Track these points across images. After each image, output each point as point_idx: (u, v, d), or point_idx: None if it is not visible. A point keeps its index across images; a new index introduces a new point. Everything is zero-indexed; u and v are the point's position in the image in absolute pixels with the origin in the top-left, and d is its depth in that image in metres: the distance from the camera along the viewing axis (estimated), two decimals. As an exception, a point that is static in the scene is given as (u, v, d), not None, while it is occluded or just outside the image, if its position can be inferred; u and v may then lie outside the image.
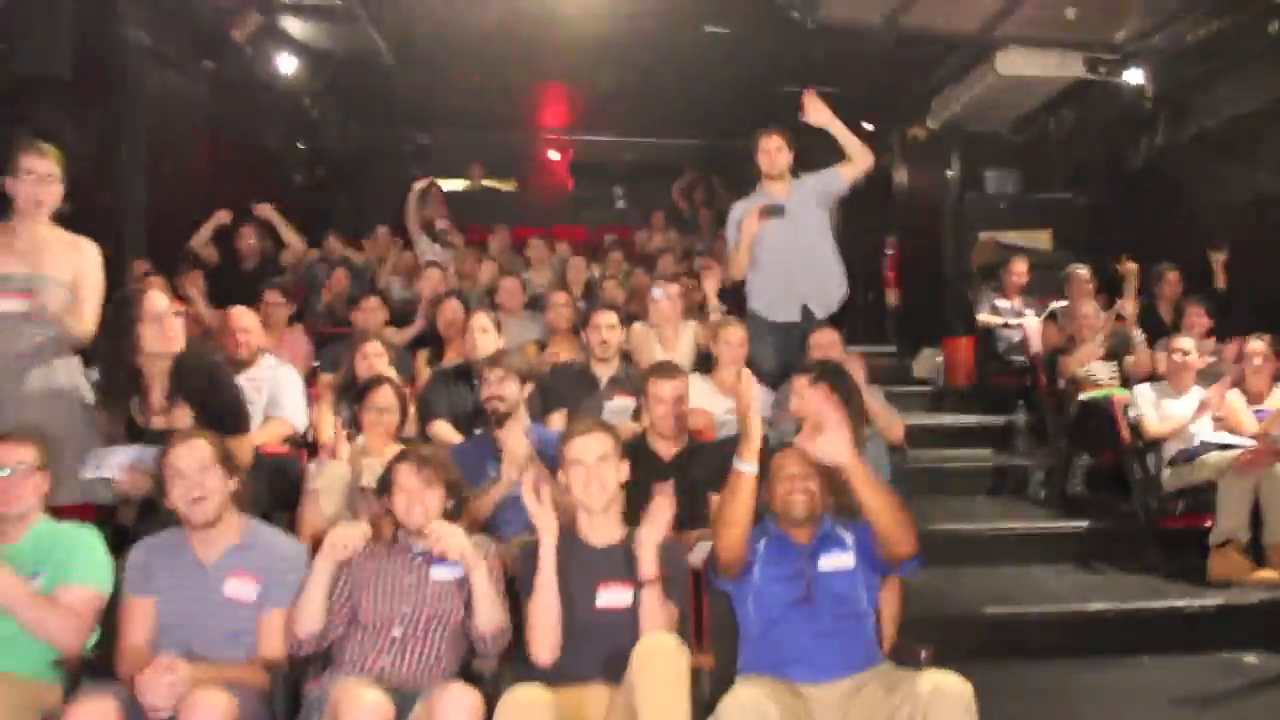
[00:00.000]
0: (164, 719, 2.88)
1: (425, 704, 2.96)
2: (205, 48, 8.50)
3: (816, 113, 5.50)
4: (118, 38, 7.40)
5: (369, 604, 3.28)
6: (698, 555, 3.60)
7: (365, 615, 3.27)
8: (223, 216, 7.84)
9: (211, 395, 3.98)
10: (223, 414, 3.95)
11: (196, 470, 3.27)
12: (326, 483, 4.10)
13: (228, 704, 2.88)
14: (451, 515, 3.41)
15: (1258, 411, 5.89)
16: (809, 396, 3.29)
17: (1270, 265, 6.87)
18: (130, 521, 3.95)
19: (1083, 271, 7.54)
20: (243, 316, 5.30)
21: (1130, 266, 7.20)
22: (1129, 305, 7.04)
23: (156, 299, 3.98)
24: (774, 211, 5.63)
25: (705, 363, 5.89)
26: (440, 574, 3.32)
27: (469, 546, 3.26)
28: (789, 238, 5.61)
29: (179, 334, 3.98)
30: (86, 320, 4.01)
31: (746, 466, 3.23)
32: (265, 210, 8.08)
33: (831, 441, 3.12)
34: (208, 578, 3.30)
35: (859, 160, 5.55)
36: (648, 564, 3.22)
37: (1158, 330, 6.96)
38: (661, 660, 2.93)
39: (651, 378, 4.40)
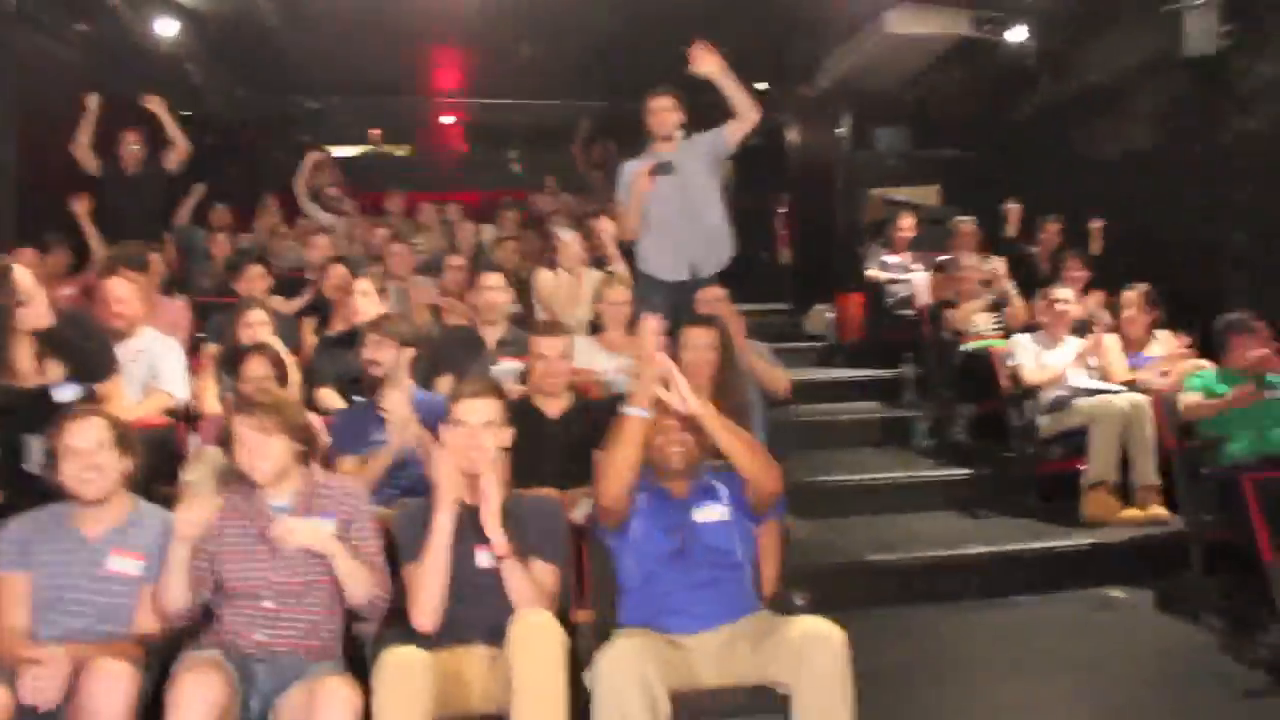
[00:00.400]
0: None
1: (304, 689, 2.93)
2: (78, 9, 8.19)
3: (705, 63, 5.45)
4: (-19, -1, 7.12)
5: (235, 572, 3.21)
6: (580, 512, 3.64)
7: (232, 585, 3.21)
8: (92, 105, 7.52)
9: (79, 344, 3.90)
10: (93, 364, 3.92)
11: (93, 448, 3.21)
12: (200, 475, 4.03)
13: (130, 673, 2.86)
14: (304, 459, 3.34)
15: (1134, 357, 6.10)
16: (659, 361, 3.32)
17: (1142, 218, 7.10)
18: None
19: (967, 225, 7.74)
20: (118, 286, 5.15)
21: (1013, 206, 7.43)
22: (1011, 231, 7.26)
23: (21, 275, 3.86)
24: (663, 169, 5.59)
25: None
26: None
27: (319, 537, 3.18)
28: (678, 198, 5.61)
29: (45, 310, 3.88)
30: None
31: (637, 411, 3.26)
32: (154, 103, 7.70)
33: (675, 393, 3.22)
34: (92, 552, 3.24)
35: (745, 116, 5.49)
36: (497, 540, 3.19)
37: (1038, 280, 7.15)
38: (538, 641, 2.96)
39: (535, 336, 4.41)
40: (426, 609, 3.18)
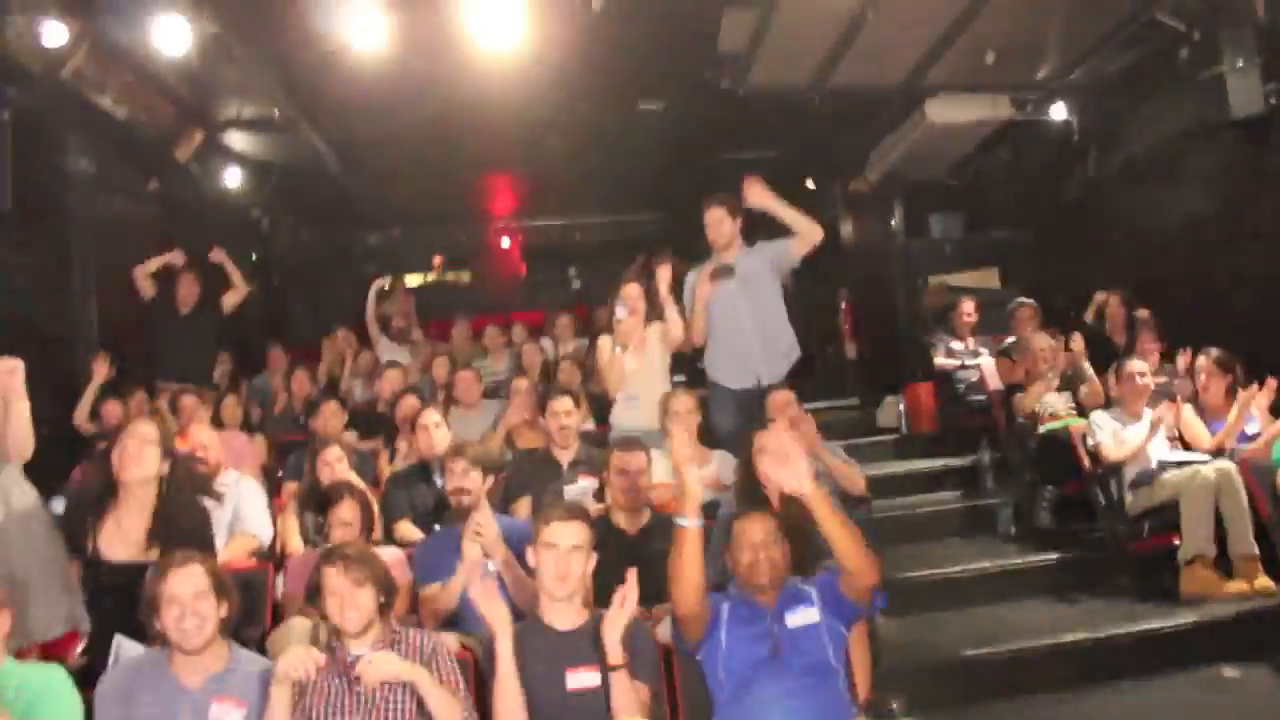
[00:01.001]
0: None
1: None
2: (150, 169, 8.59)
3: (758, 197, 5.60)
4: (59, 167, 7.49)
5: (319, 717, 3.24)
6: (664, 630, 3.62)
7: None
8: (176, 257, 7.87)
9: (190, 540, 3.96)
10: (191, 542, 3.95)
11: (191, 597, 3.26)
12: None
13: None
14: (383, 610, 3.38)
15: (1214, 424, 5.96)
16: (770, 432, 3.36)
17: (1205, 285, 7.01)
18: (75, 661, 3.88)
19: (1027, 305, 7.67)
20: (201, 433, 5.31)
21: (1100, 295, 7.51)
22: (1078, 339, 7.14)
23: (142, 426, 4.02)
24: (725, 272, 5.70)
25: (679, 362, 6.03)
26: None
27: (403, 666, 3.22)
28: (740, 304, 5.69)
29: (150, 460, 4.01)
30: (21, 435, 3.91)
31: (687, 521, 3.28)
32: (219, 254, 8.09)
33: (793, 472, 3.23)
34: (194, 702, 3.27)
35: (807, 235, 5.64)
36: (614, 649, 3.23)
37: (1109, 355, 7.04)
38: None
39: (614, 450, 4.44)
40: None
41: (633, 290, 6.01)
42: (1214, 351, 6.07)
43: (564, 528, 3.36)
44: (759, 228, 5.94)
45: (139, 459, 3.99)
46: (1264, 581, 5.29)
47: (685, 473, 3.35)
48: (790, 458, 3.26)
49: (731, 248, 5.78)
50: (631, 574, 3.34)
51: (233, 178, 9.33)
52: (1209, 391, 6.04)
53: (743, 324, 5.70)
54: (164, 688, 3.28)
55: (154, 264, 7.84)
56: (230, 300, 8.12)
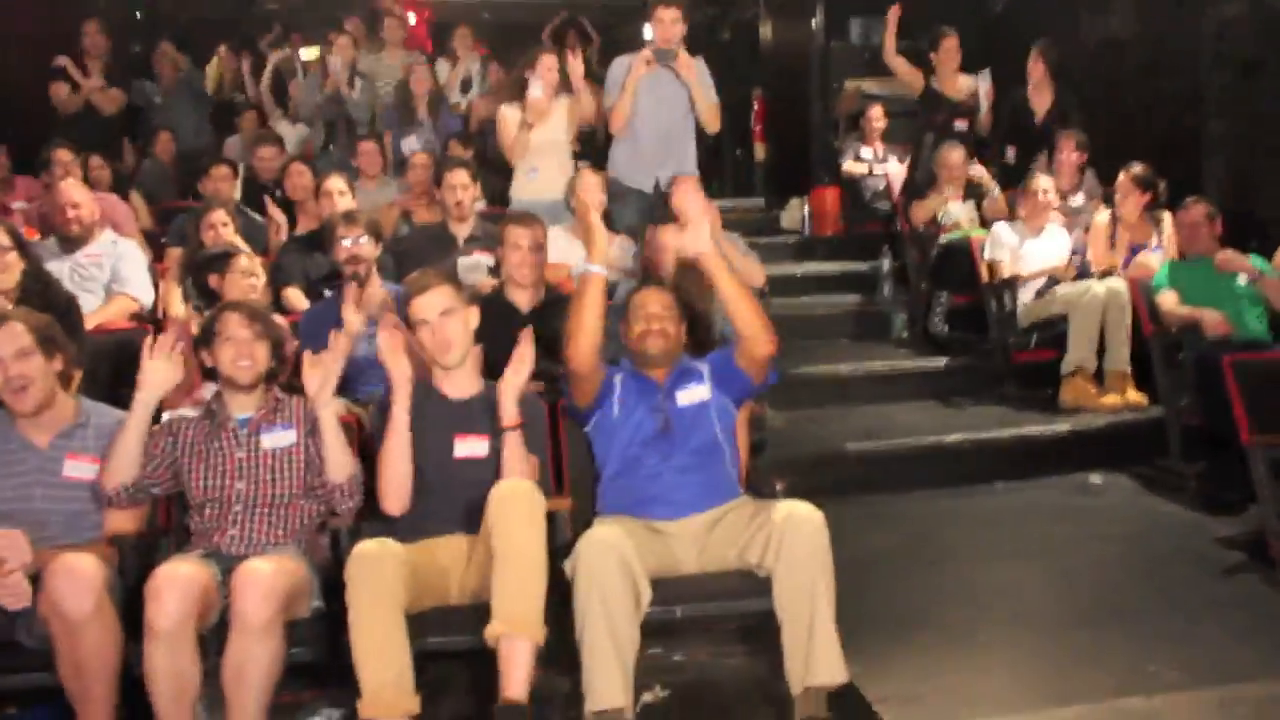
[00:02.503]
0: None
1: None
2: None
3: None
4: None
5: (198, 481, 3.17)
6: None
7: (196, 493, 3.18)
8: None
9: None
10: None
11: (14, 357, 3.10)
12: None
13: (93, 565, 2.81)
14: (271, 376, 3.31)
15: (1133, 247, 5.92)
16: (676, 194, 3.29)
17: (1121, 106, 6.99)
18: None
19: (949, 37, 7.40)
20: (72, 190, 5.02)
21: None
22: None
23: None
24: (665, 57, 5.50)
25: (589, 140, 6.01)
26: (272, 441, 3.22)
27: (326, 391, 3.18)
28: (657, 109, 5.56)
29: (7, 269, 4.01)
30: None
31: (593, 269, 3.24)
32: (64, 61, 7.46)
33: (693, 234, 3.18)
34: (44, 459, 3.17)
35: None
36: (509, 410, 3.20)
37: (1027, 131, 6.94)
38: (516, 502, 2.93)
39: (509, 225, 4.30)
40: (391, 492, 3.16)
41: (549, 61, 5.78)
42: (1135, 167, 5.92)
43: (427, 298, 3.26)
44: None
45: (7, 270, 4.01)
46: (1135, 395, 5.50)
47: (592, 218, 3.31)
48: (691, 220, 3.19)
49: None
50: (526, 334, 3.28)
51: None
52: (1125, 208, 5.93)
53: (659, 122, 5.56)
54: (8, 446, 3.16)
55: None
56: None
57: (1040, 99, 6.94)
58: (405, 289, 3.38)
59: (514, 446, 3.19)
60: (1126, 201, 5.88)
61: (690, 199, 3.25)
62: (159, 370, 3.13)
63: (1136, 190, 5.87)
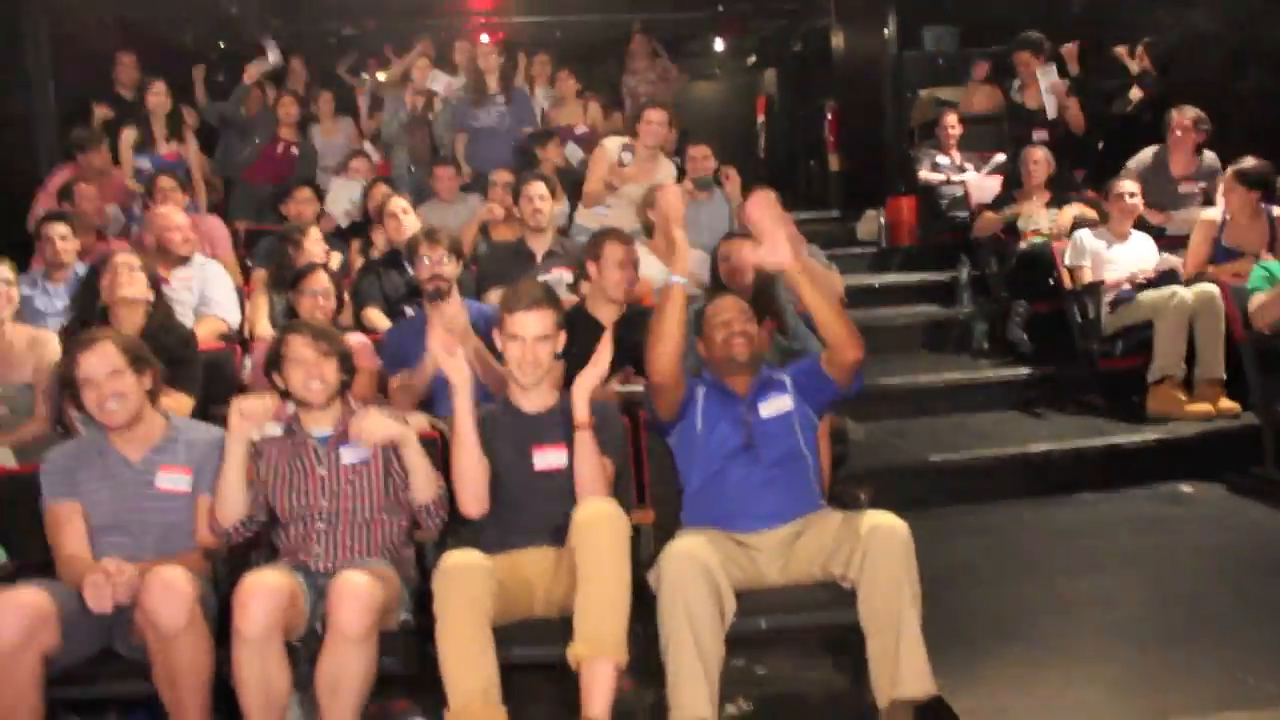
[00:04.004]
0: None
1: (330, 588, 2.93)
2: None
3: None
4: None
5: (283, 500, 3.24)
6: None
7: (282, 512, 3.24)
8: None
9: (176, 369, 3.97)
10: (183, 385, 4.07)
11: (106, 376, 3.19)
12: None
13: (185, 579, 2.87)
14: (343, 390, 3.34)
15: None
16: (751, 207, 3.29)
17: (1205, 104, 6.83)
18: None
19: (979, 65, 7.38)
20: (172, 214, 5.18)
21: (1069, 48, 7.10)
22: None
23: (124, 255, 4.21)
24: (702, 186, 5.89)
25: None
26: (351, 456, 3.26)
27: (391, 424, 3.19)
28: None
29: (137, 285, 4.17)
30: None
31: (676, 279, 3.24)
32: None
33: (771, 247, 3.17)
34: (137, 474, 3.27)
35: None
36: (581, 408, 3.20)
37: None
38: (600, 524, 2.94)
39: (608, 241, 4.33)
40: (467, 494, 3.18)
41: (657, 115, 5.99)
42: (1244, 162, 5.69)
43: (528, 317, 3.26)
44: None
45: (130, 282, 4.14)
46: (1227, 403, 5.36)
47: (675, 229, 3.29)
48: (770, 232, 3.17)
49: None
50: (606, 337, 3.30)
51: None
52: (1230, 207, 5.74)
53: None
54: (105, 464, 3.26)
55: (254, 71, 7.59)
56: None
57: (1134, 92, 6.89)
58: (508, 299, 3.37)
59: (585, 446, 3.19)
60: (1230, 199, 5.71)
61: (765, 211, 3.23)
62: (250, 406, 3.18)
63: (1241, 187, 5.68)
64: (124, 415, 3.22)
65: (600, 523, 2.95)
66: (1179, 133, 6.30)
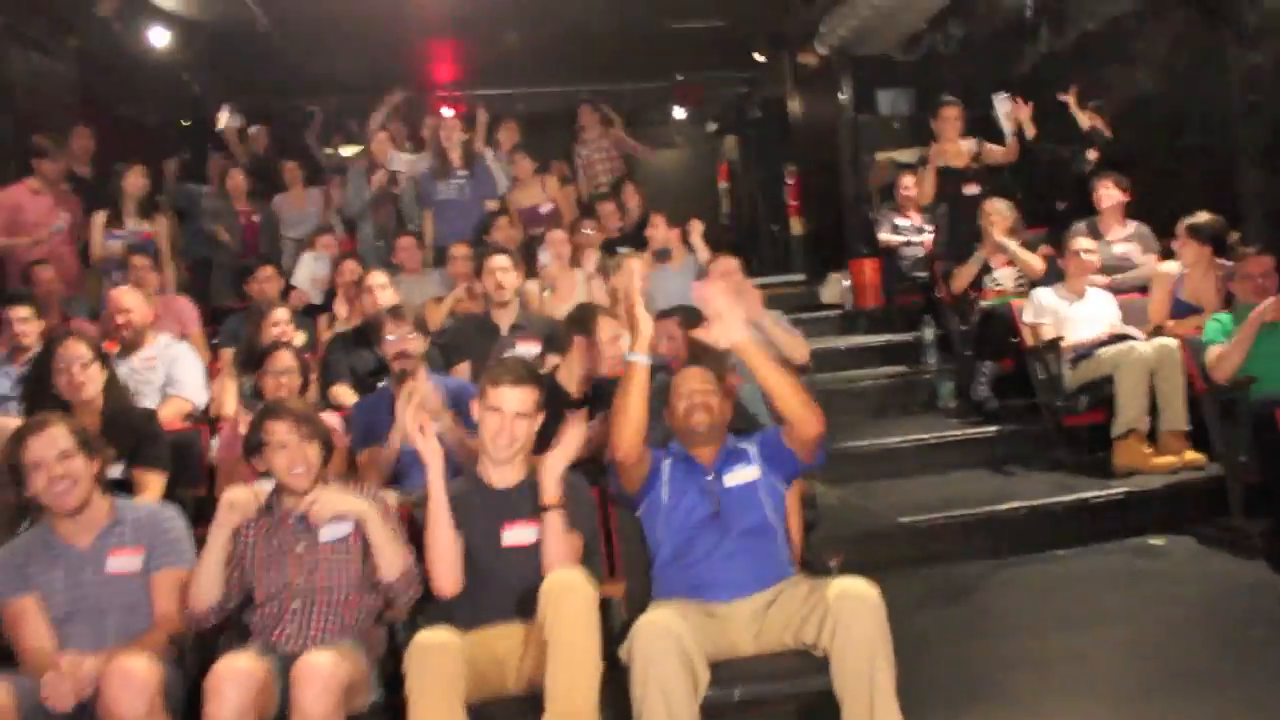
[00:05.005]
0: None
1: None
2: (68, 25, 8.17)
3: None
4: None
5: (262, 581, 3.21)
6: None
7: (260, 593, 3.21)
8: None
9: (141, 447, 4.02)
10: (152, 463, 4.06)
11: (56, 459, 3.17)
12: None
13: (146, 668, 2.82)
14: (322, 469, 3.33)
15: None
16: (700, 289, 3.31)
17: (1154, 162, 6.98)
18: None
19: (950, 107, 7.44)
20: (123, 297, 5.15)
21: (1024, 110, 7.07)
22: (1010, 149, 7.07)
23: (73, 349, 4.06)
24: (662, 257, 6.07)
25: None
26: (329, 533, 3.24)
27: (351, 500, 3.20)
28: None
29: (92, 381, 4.10)
30: None
31: (636, 357, 3.24)
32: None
33: (725, 325, 3.19)
34: (87, 559, 3.23)
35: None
36: (551, 488, 3.20)
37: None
38: (568, 595, 2.92)
39: (600, 316, 4.38)
40: (445, 573, 3.16)
41: (556, 237, 6.29)
42: (1197, 217, 5.85)
43: (512, 393, 3.28)
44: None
45: (85, 381, 4.08)
46: (1192, 455, 5.41)
47: (636, 307, 3.31)
48: (724, 313, 3.20)
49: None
50: (578, 416, 3.31)
51: (159, 36, 8.87)
52: (1184, 261, 5.87)
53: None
54: (54, 554, 3.23)
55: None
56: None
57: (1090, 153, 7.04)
58: (493, 372, 3.39)
59: (553, 525, 3.19)
60: (1184, 253, 5.82)
61: (713, 296, 3.25)
62: (238, 498, 3.18)
63: (1194, 241, 5.80)
64: (74, 499, 3.19)
65: (568, 592, 2.93)
66: (1100, 192, 6.50)
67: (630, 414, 3.22)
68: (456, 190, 7.42)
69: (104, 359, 4.25)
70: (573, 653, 2.84)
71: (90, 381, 4.10)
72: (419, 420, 3.24)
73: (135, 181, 6.90)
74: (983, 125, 7.49)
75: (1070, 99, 7.11)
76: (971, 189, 7.19)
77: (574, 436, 3.27)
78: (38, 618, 3.14)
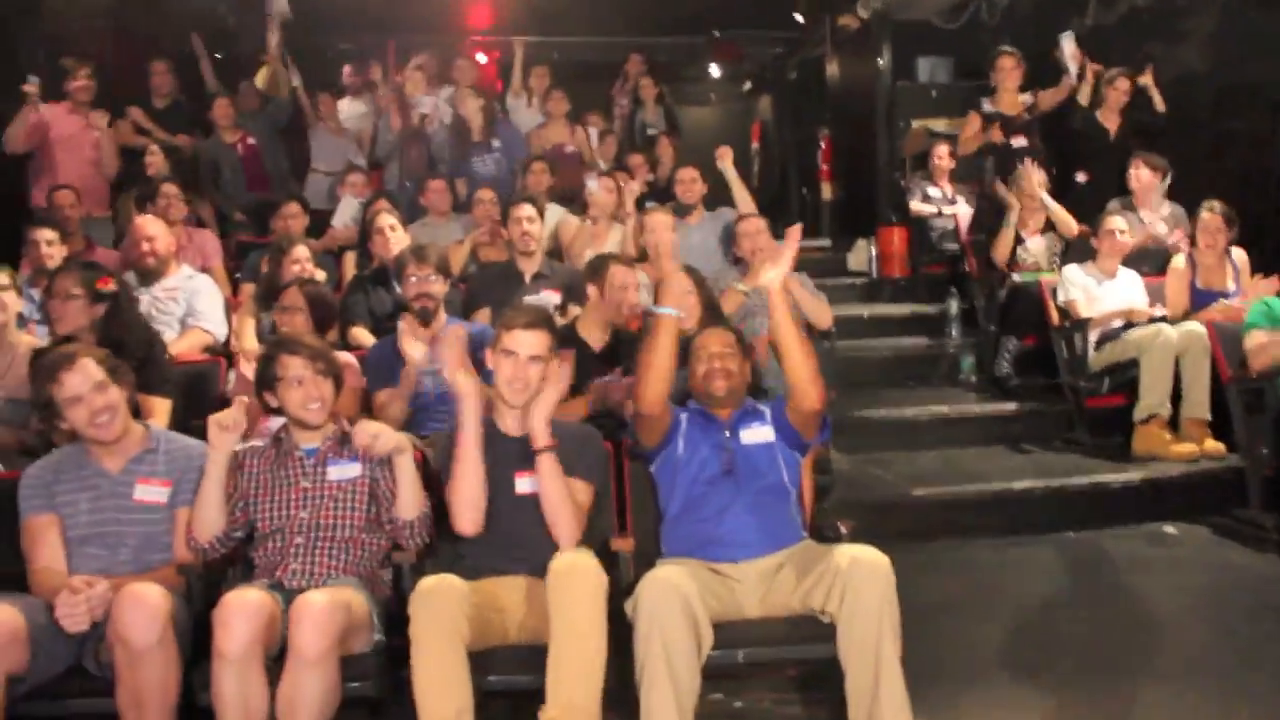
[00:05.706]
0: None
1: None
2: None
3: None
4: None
5: (265, 514, 3.21)
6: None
7: (263, 525, 3.22)
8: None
9: (143, 372, 3.91)
10: (156, 388, 4.04)
11: (94, 391, 3.17)
12: None
13: (159, 594, 2.84)
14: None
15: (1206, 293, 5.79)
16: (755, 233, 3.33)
17: (1196, 144, 6.86)
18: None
19: (1008, 57, 7.28)
20: (147, 225, 5.14)
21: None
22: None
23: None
24: (681, 212, 5.98)
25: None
26: (338, 473, 3.24)
27: (394, 434, 3.19)
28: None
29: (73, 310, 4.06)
30: None
31: (664, 310, 3.22)
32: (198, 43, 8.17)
33: (774, 270, 3.22)
34: (115, 485, 3.23)
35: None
36: (540, 430, 3.17)
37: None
38: (577, 580, 2.90)
39: (611, 264, 4.35)
40: (464, 511, 3.15)
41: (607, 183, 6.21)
42: (1218, 205, 5.78)
43: (526, 336, 3.24)
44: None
45: (63, 315, 4.07)
46: (1212, 444, 5.35)
47: (666, 261, 3.29)
48: (780, 260, 3.25)
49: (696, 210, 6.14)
50: (566, 356, 3.29)
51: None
52: (1211, 246, 5.79)
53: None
54: (84, 475, 3.24)
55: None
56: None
57: (1110, 119, 6.90)
58: (507, 316, 3.36)
59: (548, 469, 3.15)
60: (1216, 239, 5.74)
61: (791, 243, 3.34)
62: (226, 420, 3.15)
63: (1226, 228, 5.73)
64: (115, 429, 3.20)
65: (578, 577, 2.91)
66: (1133, 171, 6.40)
67: (658, 368, 3.19)
68: (494, 164, 7.37)
69: (100, 296, 4.15)
70: (579, 647, 2.82)
71: (80, 314, 4.06)
72: (458, 356, 3.21)
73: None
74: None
75: (1148, 79, 6.97)
76: (1019, 140, 7.07)
77: (559, 373, 3.24)
78: (56, 538, 3.17)
